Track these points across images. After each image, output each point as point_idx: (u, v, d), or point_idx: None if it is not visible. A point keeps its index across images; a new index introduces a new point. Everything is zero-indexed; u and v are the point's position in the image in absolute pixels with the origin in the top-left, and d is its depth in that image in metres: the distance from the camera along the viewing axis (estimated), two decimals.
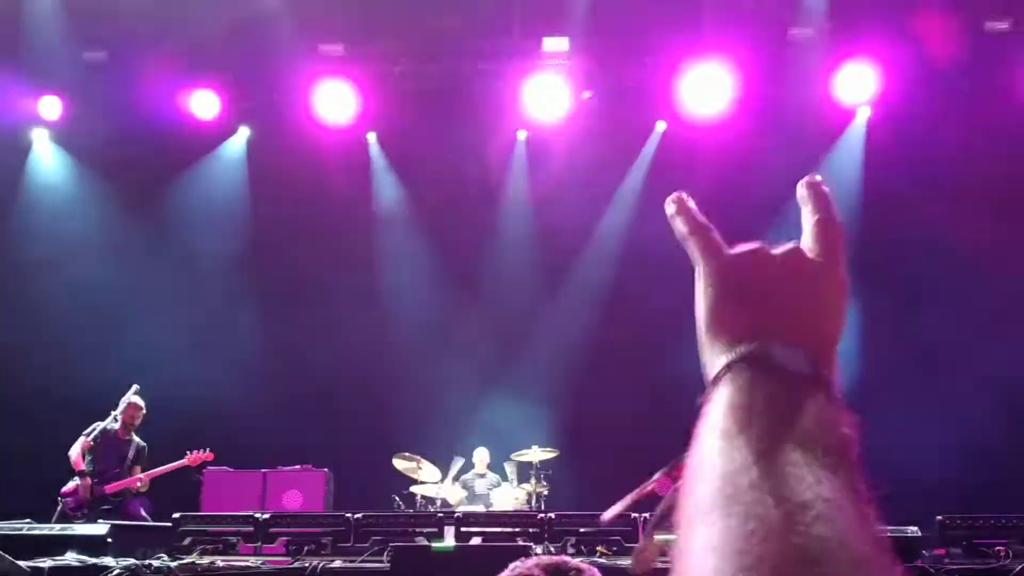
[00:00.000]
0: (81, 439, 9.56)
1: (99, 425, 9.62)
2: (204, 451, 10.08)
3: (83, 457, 9.60)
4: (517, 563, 2.05)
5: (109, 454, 9.75)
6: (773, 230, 11.98)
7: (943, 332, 11.67)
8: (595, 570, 2.10)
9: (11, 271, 12.69)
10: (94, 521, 9.22)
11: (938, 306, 11.81)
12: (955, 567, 6.47)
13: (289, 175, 13.35)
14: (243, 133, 13.70)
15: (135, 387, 9.79)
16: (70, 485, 9.49)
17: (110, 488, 9.56)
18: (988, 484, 10.67)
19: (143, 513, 9.65)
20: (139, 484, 9.76)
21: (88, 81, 12.83)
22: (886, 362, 11.81)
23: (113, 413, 9.59)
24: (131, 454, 9.88)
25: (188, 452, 9.98)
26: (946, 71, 11.89)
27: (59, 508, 9.36)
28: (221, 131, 13.57)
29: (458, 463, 11.31)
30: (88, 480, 9.45)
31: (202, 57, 12.76)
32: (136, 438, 10.05)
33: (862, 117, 12.66)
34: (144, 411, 9.98)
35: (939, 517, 7.25)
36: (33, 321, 12.56)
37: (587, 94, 12.86)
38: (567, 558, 2.07)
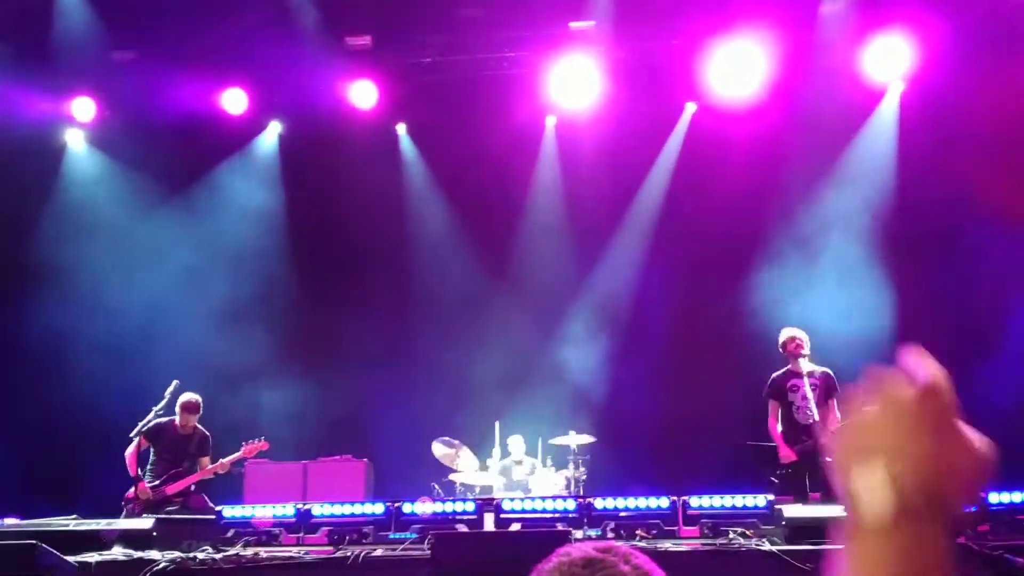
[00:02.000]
0: (134, 440, 9.41)
1: (151, 421, 9.48)
2: (260, 440, 9.96)
3: (137, 458, 9.46)
4: (568, 547, 2.05)
5: (169, 451, 9.68)
6: (803, 208, 12.02)
7: (988, 312, 11.55)
8: (643, 556, 2.09)
9: (49, 271, 12.82)
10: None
11: (980, 288, 11.69)
12: (998, 543, 6.41)
13: (320, 168, 13.44)
14: (274, 128, 13.76)
15: (175, 383, 9.76)
16: (132, 490, 9.37)
17: (171, 489, 9.48)
18: None
19: (208, 504, 9.50)
20: (212, 473, 9.75)
21: (119, 81, 12.92)
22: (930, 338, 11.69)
23: (154, 409, 9.48)
24: (193, 447, 9.79)
25: (244, 443, 9.89)
26: (982, 39, 11.67)
27: (123, 514, 9.27)
28: (252, 126, 13.66)
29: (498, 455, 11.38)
30: (143, 484, 9.36)
31: (230, 53, 12.81)
32: (200, 428, 9.95)
33: (895, 92, 12.48)
34: (200, 408, 9.91)
35: (982, 493, 7.18)
36: (73, 320, 12.69)
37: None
38: (615, 543, 2.06)
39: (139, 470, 9.46)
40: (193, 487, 9.72)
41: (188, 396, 9.84)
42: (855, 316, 11.69)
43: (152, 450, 9.69)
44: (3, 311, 12.87)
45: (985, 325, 11.62)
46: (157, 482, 9.54)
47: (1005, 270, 11.66)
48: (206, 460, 9.85)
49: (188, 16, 12.22)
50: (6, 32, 11.99)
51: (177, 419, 9.73)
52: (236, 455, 9.83)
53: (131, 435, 9.41)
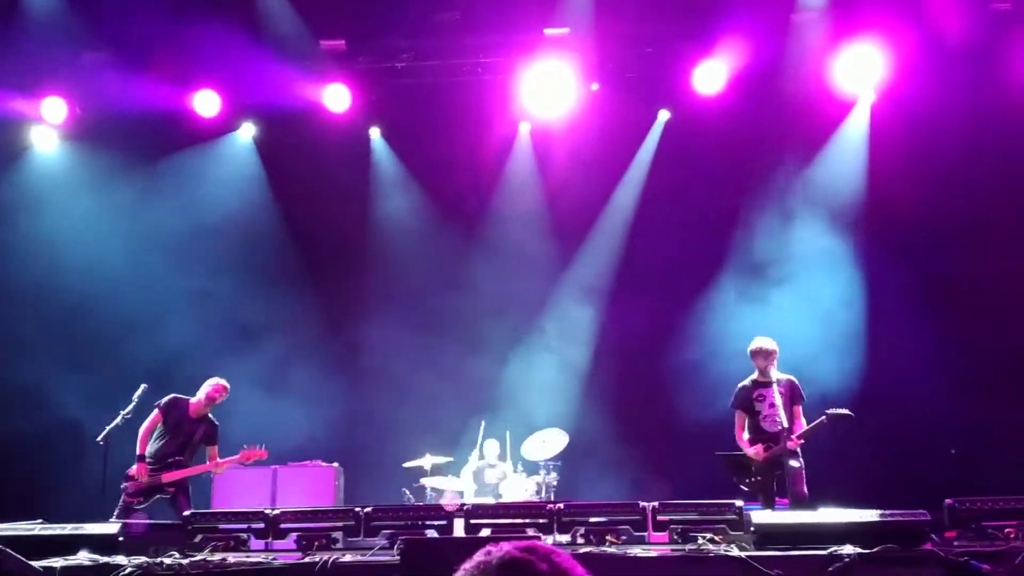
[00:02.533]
0: (153, 412, 9.28)
1: (177, 399, 9.39)
2: (260, 447, 9.57)
3: (149, 436, 9.29)
4: (491, 546, 2.05)
5: (178, 436, 9.39)
6: (775, 215, 12.10)
7: (957, 325, 11.66)
8: (565, 554, 2.10)
9: (22, 272, 12.72)
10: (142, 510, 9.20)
11: (947, 293, 11.80)
12: (963, 549, 6.46)
13: (293, 171, 13.39)
14: (247, 129, 13.68)
15: (143, 386, 9.64)
16: (133, 467, 9.21)
17: (167, 477, 9.23)
18: None
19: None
20: (215, 470, 9.53)
21: (89, 80, 12.82)
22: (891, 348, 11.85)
23: (122, 413, 9.33)
24: (198, 435, 9.48)
25: (243, 447, 9.54)
26: (953, 51, 11.79)
27: (122, 496, 9.15)
28: (225, 128, 13.56)
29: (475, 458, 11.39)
30: (144, 464, 9.20)
31: (203, 54, 12.75)
32: (211, 417, 9.62)
33: (866, 101, 12.58)
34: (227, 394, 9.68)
35: (948, 500, 7.25)
36: (45, 321, 12.59)
37: (595, 86, 12.81)
38: (540, 543, 2.05)
39: (146, 449, 9.29)
40: (181, 485, 9.38)
41: (218, 380, 9.61)
42: (823, 324, 11.79)
43: (161, 425, 9.39)
44: None
45: (947, 334, 11.72)
46: (157, 466, 9.30)
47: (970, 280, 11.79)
48: (214, 450, 9.54)
49: (160, 17, 12.15)
50: None
51: (196, 400, 9.47)
52: (234, 458, 9.48)
53: (156, 403, 9.30)
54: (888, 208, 12.20)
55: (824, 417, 8.75)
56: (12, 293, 12.79)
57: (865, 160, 12.52)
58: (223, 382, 9.62)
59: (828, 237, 12.26)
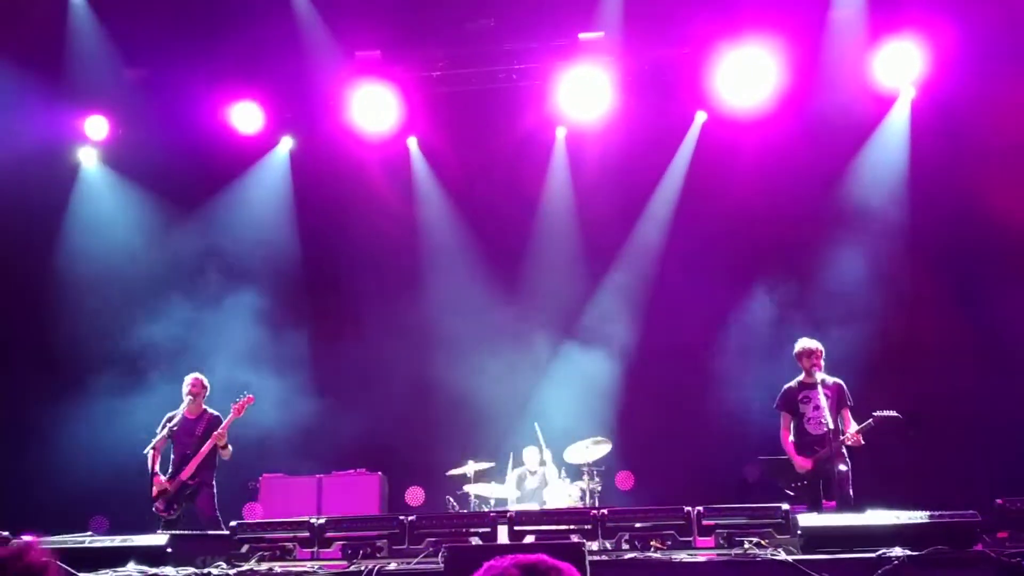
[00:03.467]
0: (159, 434, 9.41)
1: (172, 414, 9.56)
2: (244, 395, 9.68)
3: (159, 454, 9.42)
4: (493, 562, 2.04)
5: (182, 439, 9.61)
6: (815, 216, 12.00)
7: (999, 321, 11.48)
8: (574, 570, 2.08)
9: (63, 288, 12.90)
10: (179, 521, 9.37)
11: (990, 295, 11.63)
12: (1016, 550, 6.35)
13: (332, 183, 13.48)
14: (286, 143, 13.78)
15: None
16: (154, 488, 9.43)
17: (184, 473, 9.44)
18: None
19: (213, 509, 9.49)
20: (223, 453, 9.58)
21: (132, 98, 13.00)
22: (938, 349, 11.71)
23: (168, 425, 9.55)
24: (200, 430, 9.60)
25: (232, 403, 9.60)
26: (994, 45, 11.64)
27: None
28: (264, 142, 13.68)
29: (509, 469, 11.38)
30: (159, 478, 9.38)
31: (242, 69, 12.89)
32: (209, 410, 9.78)
33: (907, 98, 12.44)
34: (205, 384, 9.80)
35: (998, 500, 7.15)
36: (86, 336, 12.76)
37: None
38: (545, 557, 2.04)
39: (156, 466, 9.42)
40: (203, 482, 9.52)
41: (190, 376, 9.82)
42: (861, 324, 11.68)
43: (168, 440, 9.57)
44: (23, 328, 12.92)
45: (994, 333, 11.53)
46: (171, 471, 9.52)
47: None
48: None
49: (199, 34, 12.30)
50: (20, 50, 12.05)
51: (183, 403, 9.66)
52: (229, 418, 9.55)
53: (144, 451, 9.37)
54: (930, 208, 12.06)
55: (872, 420, 8.66)
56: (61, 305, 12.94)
57: (907, 159, 12.37)
58: (195, 375, 9.79)
59: (866, 241, 12.11)
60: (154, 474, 9.38)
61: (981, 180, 11.65)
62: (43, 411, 12.52)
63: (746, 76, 12.42)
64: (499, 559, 1.99)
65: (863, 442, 8.76)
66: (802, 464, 8.87)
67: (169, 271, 13.18)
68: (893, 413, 8.66)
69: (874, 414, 8.68)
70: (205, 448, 9.49)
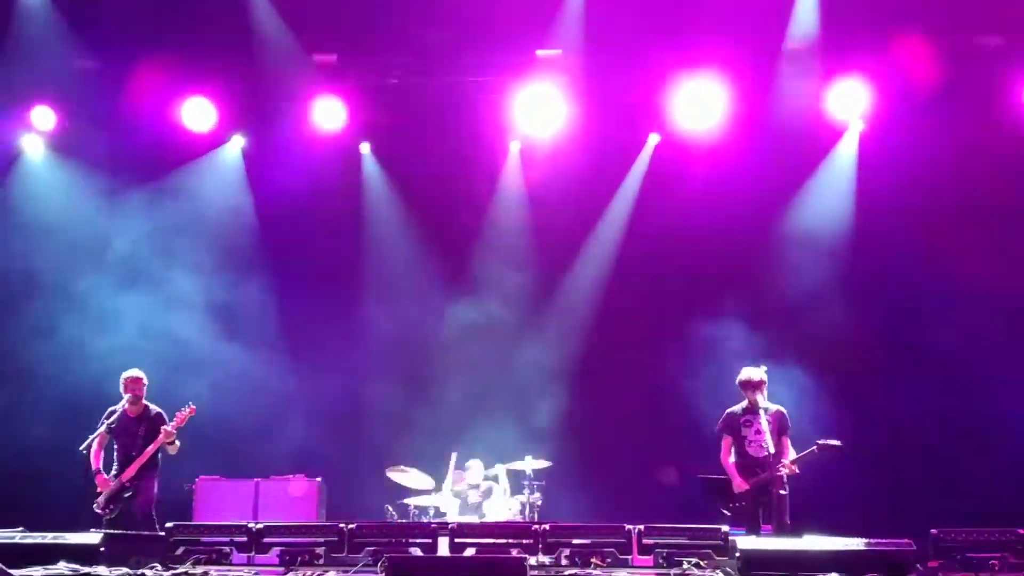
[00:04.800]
0: (99, 430, 9.21)
1: (113, 410, 9.38)
2: (188, 406, 9.45)
3: (101, 450, 9.31)
4: None
5: (124, 438, 9.42)
6: (763, 241, 12.18)
7: (939, 349, 11.72)
8: None
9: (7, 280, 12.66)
10: (120, 518, 9.19)
11: (932, 319, 11.87)
12: None
13: (283, 184, 13.33)
14: (237, 142, 13.63)
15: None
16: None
17: (125, 475, 9.26)
18: None
19: (149, 508, 9.32)
20: (170, 449, 9.38)
21: (80, 90, 12.78)
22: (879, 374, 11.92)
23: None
24: (143, 430, 9.40)
25: (177, 412, 9.38)
26: (934, 88, 11.97)
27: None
28: (215, 139, 13.51)
29: (453, 468, 11.34)
30: (101, 476, 9.25)
31: (195, 65, 12.75)
32: (151, 408, 9.56)
33: (854, 131, 12.68)
34: (144, 381, 9.55)
35: (933, 531, 7.29)
36: (31, 332, 12.53)
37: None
38: None
39: (100, 463, 9.31)
40: (144, 482, 9.33)
41: (127, 372, 9.59)
42: (810, 352, 11.85)
43: (109, 437, 9.39)
44: None
45: (934, 359, 11.77)
46: (114, 472, 9.35)
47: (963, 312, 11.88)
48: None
49: (152, 28, 12.15)
50: None
51: (122, 401, 9.43)
52: (172, 424, 9.32)
53: (99, 424, 9.23)
54: (875, 236, 12.31)
55: (815, 447, 8.77)
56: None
57: (853, 189, 12.62)
58: (130, 373, 9.58)
59: (815, 266, 12.31)
60: (97, 472, 9.24)
61: (922, 209, 11.96)
62: None
63: (700, 102, 12.57)
64: None
65: (798, 471, 8.86)
66: (740, 484, 8.96)
67: (114, 260, 12.92)
68: (836, 442, 8.78)
69: (817, 442, 8.80)
70: (150, 450, 9.31)
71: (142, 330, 12.55)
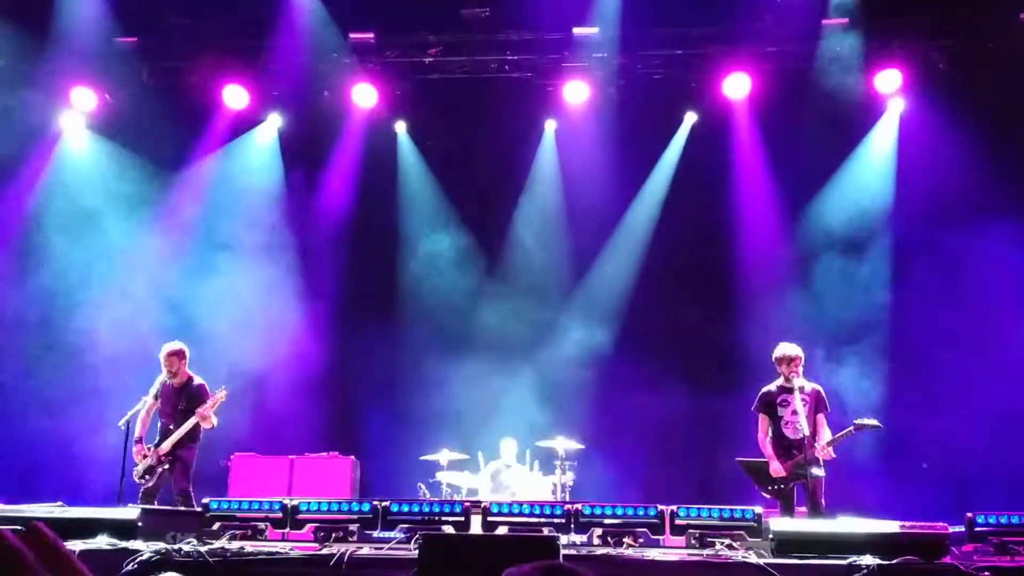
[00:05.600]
0: (144, 400, 9.38)
1: (160, 378, 9.52)
2: (221, 390, 9.57)
3: (148, 417, 9.45)
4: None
5: (164, 409, 9.56)
6: (803, 219, 12.08)
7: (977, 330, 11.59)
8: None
9: (46, 255, 12.77)
10: (156, 489, 9.37)
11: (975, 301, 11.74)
12: (984, 563, 6.42)
13: (318, 162, 13.41)
14: (273, 121, 13.68)
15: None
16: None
17: (161, 449, 9.39)
18: None
19: (186, 483, 9.43)
20: (203, 423, 9.45)
21: (119, 68, 12.88)
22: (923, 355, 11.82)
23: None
24: (183, 404, 9.52)
25: (212, 392, 9.54)
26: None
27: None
28: (252, 117, 13.58)
29: (483, 461, 11.38)
30: (140, 445, 9.39)
31: (233, 44, 12.81)
32: (193, 380, 9.69)
33: (895, 110, 12.54)
34: (184, 353, 9.63)
35: (969, 514, 7.22)
36: (73, 308, 12.64)
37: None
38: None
39: (144, 431, 9.45)
40: (180, 457, 9.44)
41: (168, 345, 9.67)
42: (851, 329, 11.77)
43: (153, 405, 9.53)
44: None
45: (978, 338, 11.64)
46: (155, 443, 9.49)
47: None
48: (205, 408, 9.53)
49: (190, 5, 12.21)
50: (7, 16, 11.92)
51: (164, 373, 9.57)
52: (204, 408, 9.42)
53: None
54: (916, 216, 12.18)
55: (852, 427, 8.71)
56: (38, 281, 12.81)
57: (894, 165, 12.49)
58: (170, 346, 9.66)
59: (856, 242, 12.22)
60: (138, 440, 9.39)
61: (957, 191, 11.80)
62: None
63: (738, 79, 12.46)
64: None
65: (833, 455, 8.81)
66: (777, 470, 8.90)
67: (149, 240, 13.01)
68: (873, 421, 8.73)
69: (855, 422, 8.74)
70: (184, 427, 9.42)
71: (175, 309, 12.61)
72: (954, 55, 12.10)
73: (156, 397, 9.50)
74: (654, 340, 12.74)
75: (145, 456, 9.40)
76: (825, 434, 8.90)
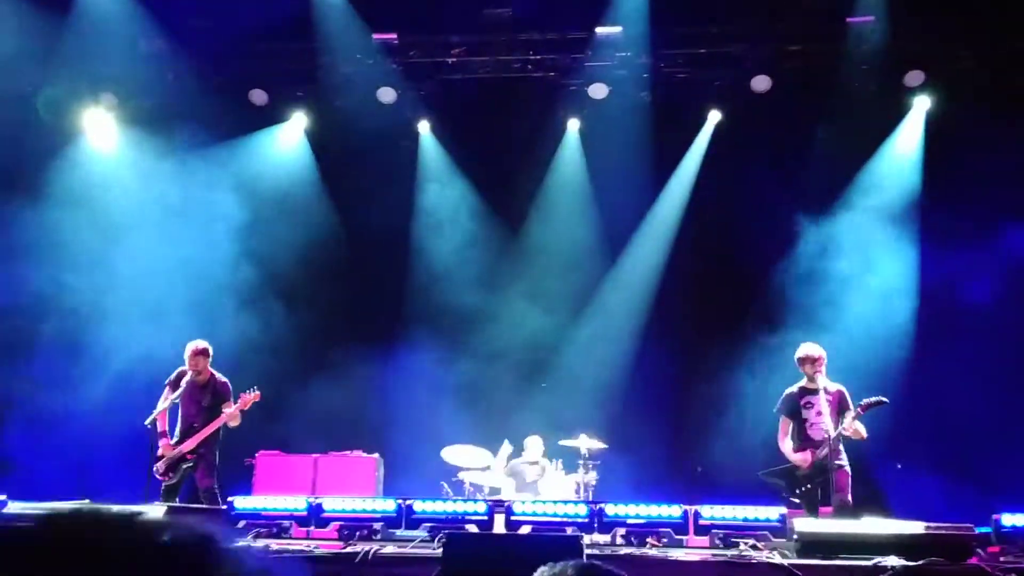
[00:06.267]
0: (163, 397, 9.38)
1: (183, 371, 9.50)
2: (253, 390, 9.62)
3: (167, 414, 9.44)
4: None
5: (188, 405, 9.55)
6: (829, 210, 12.03)
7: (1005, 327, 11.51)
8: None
9: (71, 251, 12.85)
10: (179, 486, 9.42)
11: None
12: (1011, 565, 6.39)
13: (342, 163, 13.46)
14: (298, 120, 13.73)
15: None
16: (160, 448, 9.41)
17: (185, 446, 9.40)
18: None
19: (211, 480, 9.44)
20: (230, 423, 9.47)
21: (144, 69, 12.96)
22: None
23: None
24: (207, 400, 9.55)
25: (240, 394, 9.57)
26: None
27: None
28: (276, 119, 13.64)
29: (507, 449, 11.34)
30: (166, 439, 9.40)
31: (257, 45, 12.87)
32: (217, 377, 9.72)
33: (921, 107, 12.49)
34: (209, 352, 9.64)
35: (995, 515, 7.18)
36: (102, 296, 12.69)
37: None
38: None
39: (166, 426, 9.47)
40: (203, 455, 9.47)
41: (192, 343, 9.67)
42: (876, 322, 11.73)
43: (176, 400, 9.44)
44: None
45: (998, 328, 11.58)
46: (176, 439, 9.50)
47: None
48: (228, 405, 9.57)
49: (214, 6, 12.27)
50: (35, 12, 12.02)
51: (187, 370, 9.55)
52: (237, 405, 9.49)
53: (167, 382, 9.43)
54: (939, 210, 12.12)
55: (859, 408, 8.59)
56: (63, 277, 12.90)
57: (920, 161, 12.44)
58: (196, 344, 9.64)
59: (882, 240, 12.17)
60: (162, 434, 9.40)
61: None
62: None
63: (763, 75, 12.44)
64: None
65: (864, 435, 8.68)
66: (802, 459, 8.82)
67: (173, 245, 13.07)
68: (878, 398, 8.60)
69: (859, 403, 8.62)
70: (212, 426, 9.46)
71: (197, 306, 12.66)
72: (980, 54, 12.01)
73: (175, 391, 9.43)
74: (679, 339, 12.71)
75: (170, 450, 9.38)
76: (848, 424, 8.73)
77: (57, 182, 12.86)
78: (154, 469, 9.33)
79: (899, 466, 11.14)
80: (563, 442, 11.36)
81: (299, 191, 13.67)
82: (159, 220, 13.00)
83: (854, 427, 8.58)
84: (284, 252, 13.18)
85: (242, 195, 13.07)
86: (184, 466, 9.44)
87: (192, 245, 12.84)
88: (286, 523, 7.64)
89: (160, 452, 9.38)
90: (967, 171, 11.80)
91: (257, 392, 9.63)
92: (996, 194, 11.76)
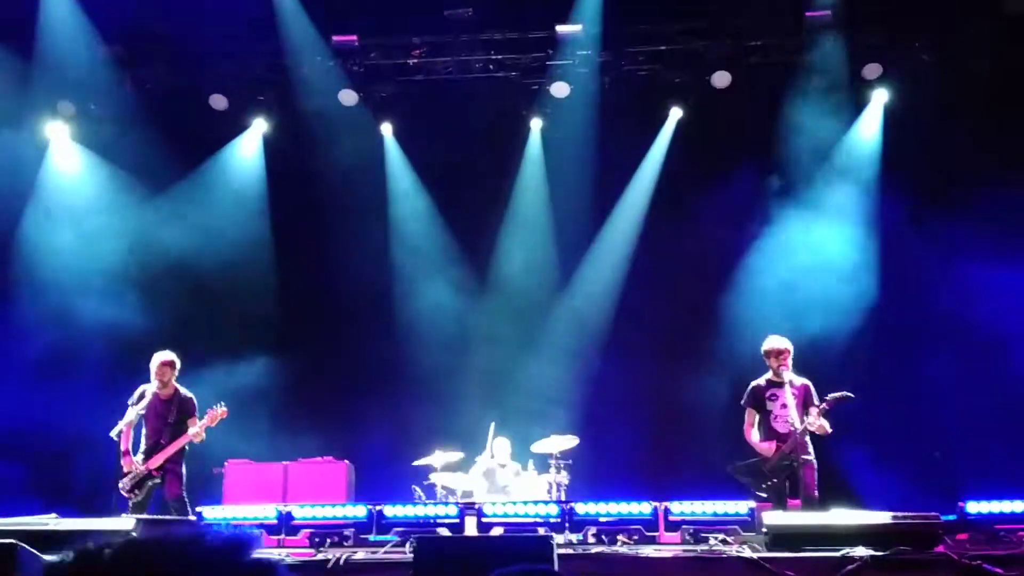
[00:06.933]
0: (128, 413, 9.15)
1: (144, 390, 9.31)
2: (220, 406, 9.43)
3: (131, 431, 9.24)
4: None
5: (154, 422, 9.35)
6: (791, 211, 12.08)
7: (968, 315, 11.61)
8: None
9: (34, 265, 12.73)
10: (146, 502, 9.27)
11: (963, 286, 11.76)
12: (976, 552, 6.46)
13: (303, 166, 13.38)
14: (258, 126, 13.64)
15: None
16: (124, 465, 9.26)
17: (151, 463, 9.23)
18: None
19: (179, 490, 9.30)
20: (195, 439, 9.32)
21: (104, 76, 12.84)
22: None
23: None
24: (173, 416, 9.35)
25: (208, 410, 9.38)
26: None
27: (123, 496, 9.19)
28: (236, 123, 13.55)
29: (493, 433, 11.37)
30: (129, 458, 9.22)
31: (215, 49, 12.77)
32: (181, 392, 9.52)
33: (879, 100, 12.61)
34: (176, 364, 9.47)
35: (961, 503, 7.26)
36: (57, 314, 12.58)
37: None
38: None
39: (130, 443, 9.30)
40: (170, 469, 9.32)
41: (159, 354, 9.49)
42: (839, 309, 11.81)
43: (137, 417, 9.23)
44: None
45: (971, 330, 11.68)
46: (141, 456, 9.33)
47: None
48: (194, 421, 9.41)
49: (172, 10, 12.17)
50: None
51: (153, 383, 9.36)
52: (203, 423, 9.32)
53: (129, 402, 9.26)
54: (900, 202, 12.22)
55: (824, 403, 8.63)
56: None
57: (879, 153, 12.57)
58: (164, 356, 9.48)
59: (843, 234, 12.26)
60: (125, 453, 9.22)
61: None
62: None
63: (722, 72, 12.50)
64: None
65: (829, 430, 8.71)
66: (767, 449, 8.82)
67: (134, 246, 12.97)
68: (844, 393, 8.63)
69: (826, 398, 8.66)
70: (177, 443, 9.30)
71: (167, 319, 12.57)
72: (938, 45, 12.14)
73: (138, 416, 9.21)
74: (646, 336, 12.74)
75: (135, 470, 9.24)
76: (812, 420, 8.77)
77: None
78: (120, 486, 9.20)
79: (937, 454, 11.18)
80: (535, 448, 11.35)
81: (259, 197, 13.58)
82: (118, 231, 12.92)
83: (819, 423, 8.60)
84: (247, 260, 13.09)
85: (201, 204, 13.02)
86: (150, 483, 9.27)
87: (145, 260, 12.80)
88: (256, 531, 7.60)
89: (125, 470, 9.22)
90: (926, 163, 11.92)
91: (224, 408, 9.46)
92: (954, 185, 11.87)
